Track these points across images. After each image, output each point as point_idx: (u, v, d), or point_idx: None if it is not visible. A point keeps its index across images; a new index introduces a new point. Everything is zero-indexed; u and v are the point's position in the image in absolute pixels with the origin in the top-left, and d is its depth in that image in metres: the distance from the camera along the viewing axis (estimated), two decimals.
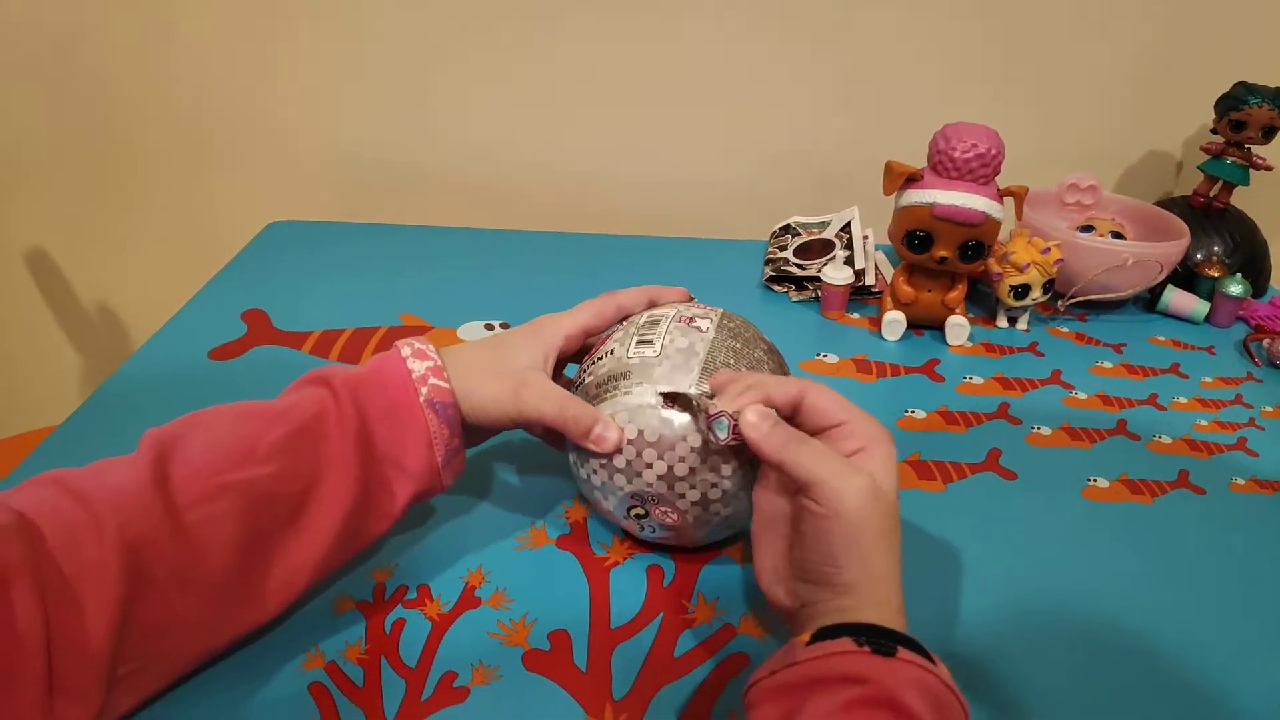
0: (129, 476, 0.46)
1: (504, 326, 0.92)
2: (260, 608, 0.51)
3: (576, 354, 0.64)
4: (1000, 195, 0.85)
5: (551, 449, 0.68)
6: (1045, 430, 0.81)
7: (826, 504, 0.46)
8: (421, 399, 0.54)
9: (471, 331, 0.91)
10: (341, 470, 0.52)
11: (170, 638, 0.47)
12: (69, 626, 0.41)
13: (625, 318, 0.63)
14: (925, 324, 0.96)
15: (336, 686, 0.53)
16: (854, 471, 0.47)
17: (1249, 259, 1.06)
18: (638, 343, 0.58)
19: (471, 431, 0.59)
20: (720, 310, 0.61)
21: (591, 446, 0.56)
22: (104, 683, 0.43)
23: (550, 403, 0.56)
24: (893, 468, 0.50)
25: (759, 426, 0.50)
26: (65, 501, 0.44)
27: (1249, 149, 1.07)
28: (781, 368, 0.61)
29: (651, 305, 0.63)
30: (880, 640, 0.43)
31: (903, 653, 0.42)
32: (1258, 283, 1.07)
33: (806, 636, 0.44)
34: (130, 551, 0.43)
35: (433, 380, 0.55)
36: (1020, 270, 0.91)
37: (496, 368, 0.58)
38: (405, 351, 0.56)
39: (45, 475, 0.46)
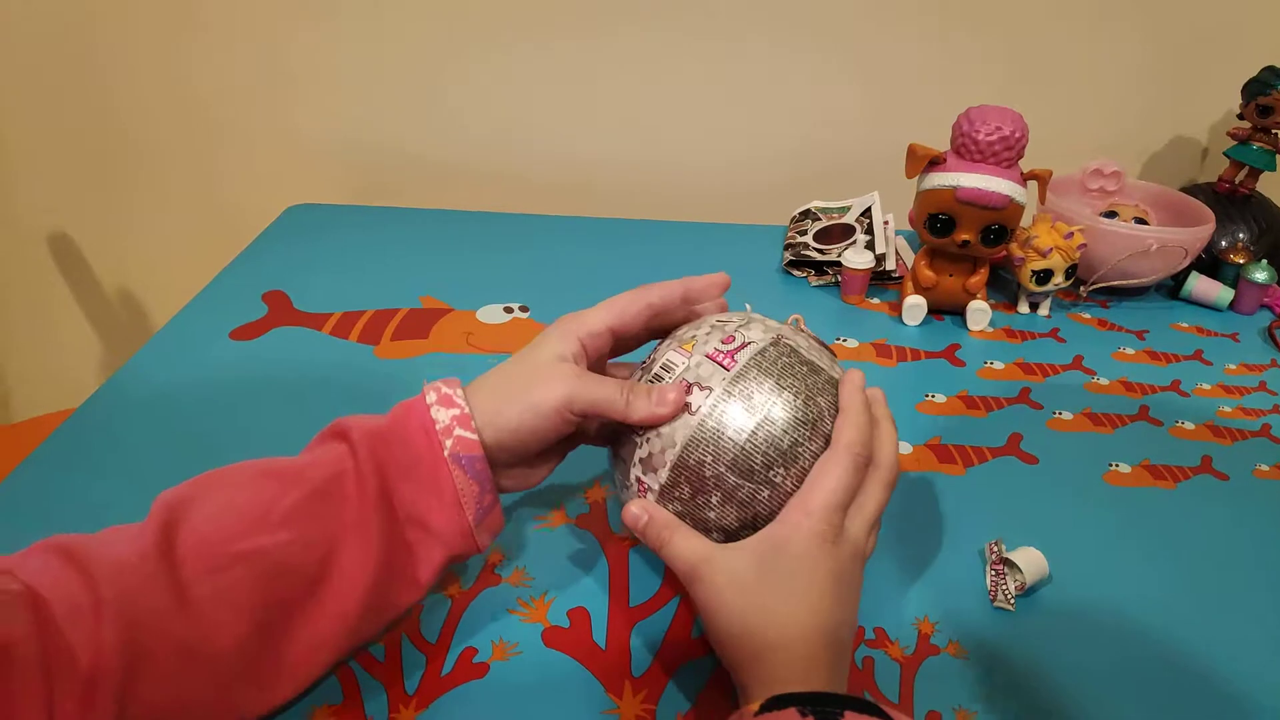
0: (135, 548, 0.43)
1: (523, 309, 0.92)
2: (276, 688, 0.47)
3: (603, 355, 0.58)
4: (1024, 179, 0.84)
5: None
6: (1067, 415, 0.80)
7: (697, 595, 0.49)
8: (446, 453, 0.49)
9: (491, 314, 0.91)
10: (361, 536, 0.47)
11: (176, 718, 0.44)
12: (70, 706, 0.38)
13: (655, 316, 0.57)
14: (946, 309, 0.95)
15: (358, 663, 0.53)
16: (721, 554, 0.48)
17: (1274, 245, 1.05)
18: None
19: (513, 467, 0.54)
20: (748, 355, 0.51)
21: (651, 416, 0.51)
22: None
23: (584, 385, 0.51)
24: (825, 503, 0.48)
25: (638, 519, 0.51)
26: (69, 574, 0.40)
27: (1276, 134, 1.05)
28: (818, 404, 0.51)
29: (685, 301, 0.57)
30: (827, 707, 0.42)
31: (850, 716, 0.41)
32: None
33: (755, 706, 0.43)
34: (132, 628, 0.40)
35: (459, 431, 0.50)
36: (1043, 255, 0.91)
37: (523, 379, 0.52)
38: (431, 398, 0.51)
39: (51, 542, 0.43)
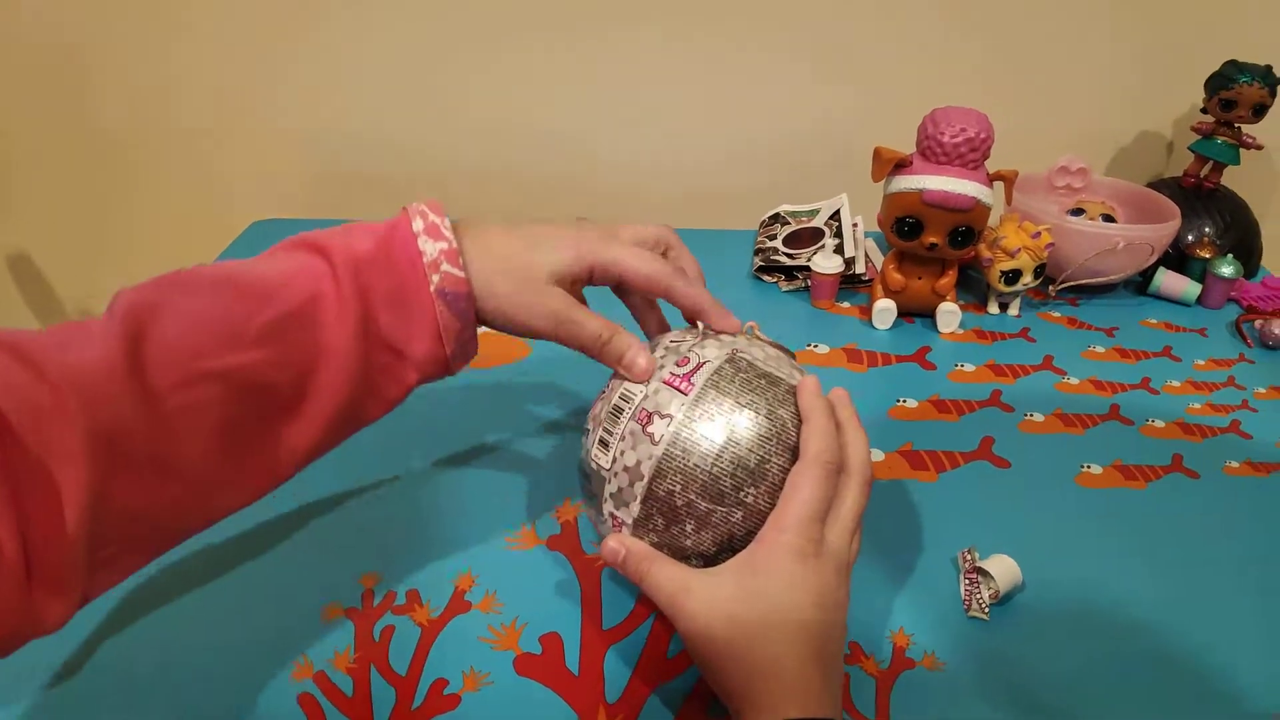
0: (97, 356, 0.40)
1: None
2: (246, 491, 0.47)
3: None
4: (990, 180, 0.84)
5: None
6: (1038, 417, 0.80)
7: (680, 627, 0.47)
8: (432, 287, 0.48)
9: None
10: (339, 360, 0.47)
11: (149, 520, 0.44)
12: (42, 516, 0.38)
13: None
14: (916, 311, 0.95)
15: (326, 697, 0.52)
16: (701, 582, 0.47)
17: (1240, 239, 1.06)
18: (599, 443, 0.51)
19: (486, 322, 0.53)
20: (704, 376, 0.50)
21: (621, 369, 0.52)
22: (82, 570, 0.40)
23: (570, 318, 0.52)
24: (795, 529, 0.47)
25: (616, 554, 0.50)
26: (24, 378, 0.39)
27: (1239, 128, 1.06)
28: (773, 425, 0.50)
29: (689, 315, 0.56)
30: None
31: None
32: (1249, 263, 1.06)
33: None
34: (100, 438, 0.39)
35: (446, 267, 0.49)
36: (1011, 255, 0.91)
37: (523, 272, 0.51)
38: (417, 225, 0.49)
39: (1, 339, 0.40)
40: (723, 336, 0.54)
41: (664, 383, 0.50)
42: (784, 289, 1.01)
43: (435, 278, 0.49)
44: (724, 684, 0.46)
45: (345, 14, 1.15)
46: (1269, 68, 1.01)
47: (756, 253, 1.05)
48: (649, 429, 0.49)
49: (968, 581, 0.60)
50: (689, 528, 0.48)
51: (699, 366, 0.50)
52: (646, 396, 0.50)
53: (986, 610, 0.59)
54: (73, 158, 1.26)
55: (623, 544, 0.50)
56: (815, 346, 0.89)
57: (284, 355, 0.46)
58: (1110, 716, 0.53)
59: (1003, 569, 0.60)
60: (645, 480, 0.48)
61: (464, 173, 1.26)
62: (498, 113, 1.22)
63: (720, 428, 0.48)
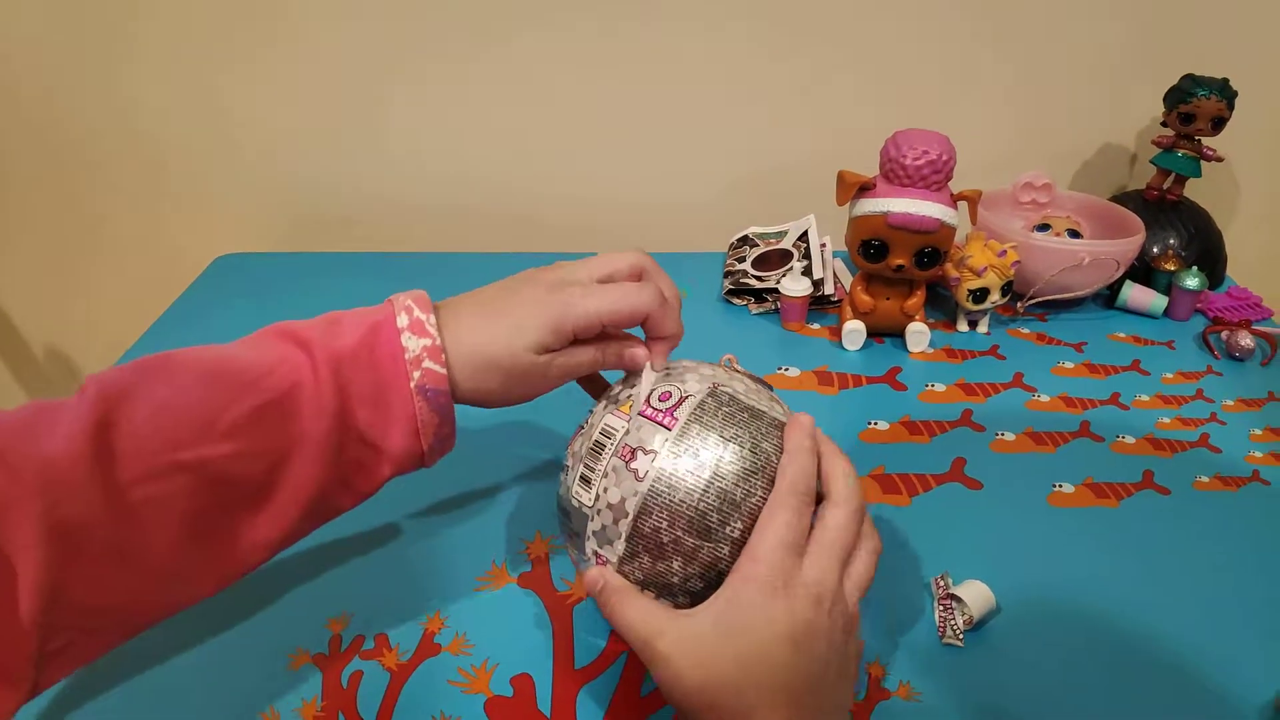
0: (63, 444, 0.40)
1: None
2: (210, 582, 0.47)
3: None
4: (954, 200, 0.84)
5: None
6: (1009, 436, 0.80)
7: (655, 673, 0.45)
8: (413, 384, 0.48)
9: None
10: (312, 453, 0.46)
11: (106, 612, 0.43)
12: None
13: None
14: (886, 332, 0.95)
15: None
16: (676, 626, 0.45)
17: (1204, 250, 1.07)
18: (580, 479, 0.50)
19: (483, 406, 0.53)
20: (687, 410, 0.49)
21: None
22: (33, 661, 0.39)
23: (576, 367, 0.54)
24: (773, 563, 0.45)
25: (595, 583, 0.48)
26: None
27: (1199, 141, 1.07)
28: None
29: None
30: None
31: None
32: (1214, 274, 1.07)
33: None
34: (59, 530, 0.39)
35: (428, 364, 0.48)
36: (977, 274, 0.91)
37: (508, 362, 0.51)
38: (402, 322, 0.49)
39: None
40: (703, 368, 0.53)
41: (646, 417, 0.49)
42: (754, 311, 1.01)
43: (417, 374, 0.48)
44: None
45: (320, 56, 1.14)
46: (1226, 81, 1.02)
47: (726, 275, 1.05)
48: (632, 465, 0.48)
49: (941, 608, 0.60)
50: (675, 564, 0.47)
51: (681, 400, 0.50)
52: (629, 432, 0.49)
53: (961, 636, 0.58)
54: (34, 194, 1.25)
55: (603, 575, 0.48)
56: (786, 370, 0.89)
57: (257, 447, 0.45)
58: None
59: (975, 594, 0.59)
60: (630, 517, 0.47)
61: (430, 207, 1.26)
62: (467, 146, 1.21)
63: (706, 463, 0.47)
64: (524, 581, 0.63)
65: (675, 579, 0.48)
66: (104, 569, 0.41)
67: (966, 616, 0.59)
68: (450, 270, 1.09)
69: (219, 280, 1.07)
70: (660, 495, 0.47)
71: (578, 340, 0.53)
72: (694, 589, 0.48)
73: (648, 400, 0.50)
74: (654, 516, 0.47)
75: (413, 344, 0.49)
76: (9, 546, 0.38)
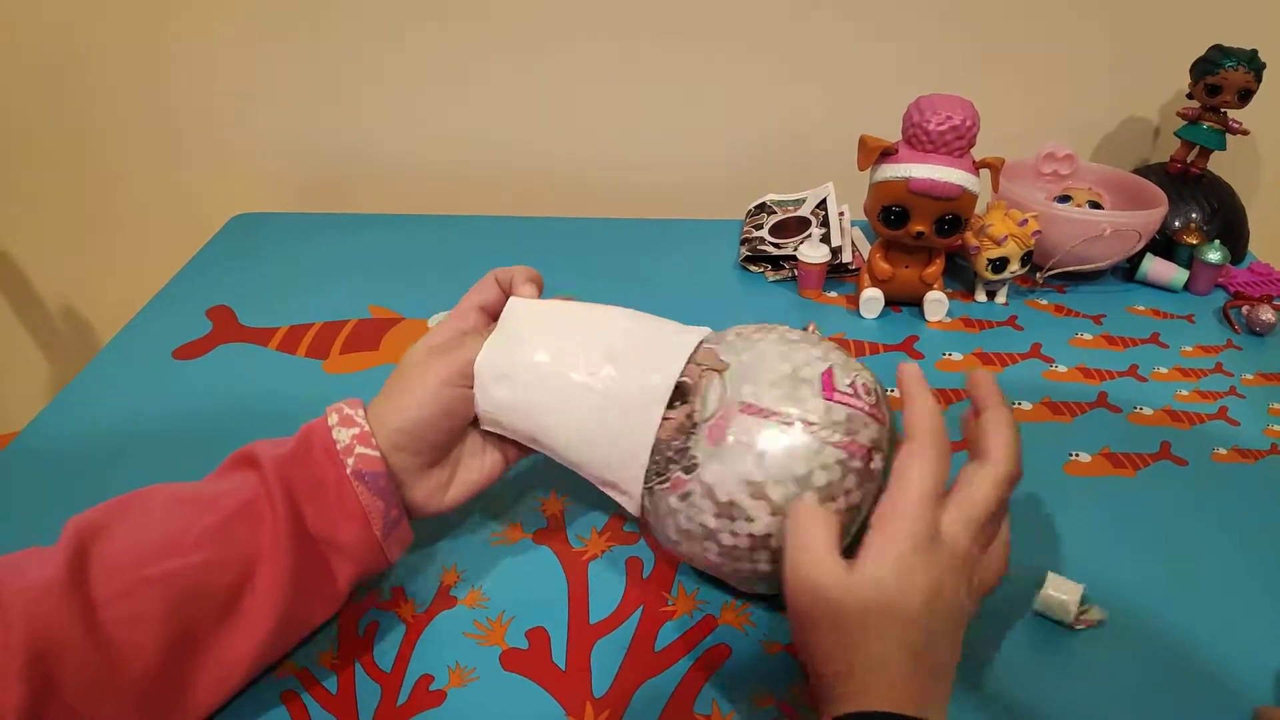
0: (43, 574, 0.42)
1: None
2: (189, 709, 0.47)
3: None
4: (976, 167, 0.84)
5: None
6: (1026, 405, 0.80)
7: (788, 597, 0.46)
8: (349, 471, 0.50)
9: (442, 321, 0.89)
10: (274, 556, 0.47)
11: None
12: None
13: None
14: (903, 300, 0.94)
15: (310, 694, 0.51)
16: (819, 565, 0.45)
17: (1227, 225, 1.06)
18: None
19: (421, 476, 0.54)
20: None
21: None
22: None
23: (456, 354, 0.55)
24: (915, 522, 0.44)
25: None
26: None
27: (1225, 113, 1.06)
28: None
29: (504, 290, 0.60)
30: None
31: None
32: (1236, 248, 1.06)
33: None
34: (37, 658, 0.40)
35: (360, 449, 0.51)
36: (997, 243, 0.90)
37: (403, 380, 0.54)
38: (332, 420, 0.52)
39: None
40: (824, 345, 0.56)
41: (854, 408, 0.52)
42: (771, 279, 1.00)
43: (350, 461, 0.50)
44: (821, 670, 0.44)
45: (337, 17, 1.13)
46: (1254, 52, 1.01)
47: (743, 242, 1.04)
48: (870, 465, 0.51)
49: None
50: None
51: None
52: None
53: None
54: (52, 153, 1.25)
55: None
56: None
57: (221, 557, 0.47)
58: (1100, 705, 0.53)
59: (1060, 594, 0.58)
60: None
61: (444, 169, 1.25)
62: (483, 109, 1.21)
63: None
64: (539, 538, 0.63)
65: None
66: (83, 695, 0.42)
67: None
68: (465, 232, 1.09)
69: (235, 239, 1.07)
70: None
71: None
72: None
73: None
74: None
75: (343, 435, 0.51)
76: None
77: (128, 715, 0.44)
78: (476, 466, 0.58)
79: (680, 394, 0.53)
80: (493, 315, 0.59)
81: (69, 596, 0.42)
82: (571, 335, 0.56)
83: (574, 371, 0.54)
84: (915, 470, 0.45)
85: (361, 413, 0.53)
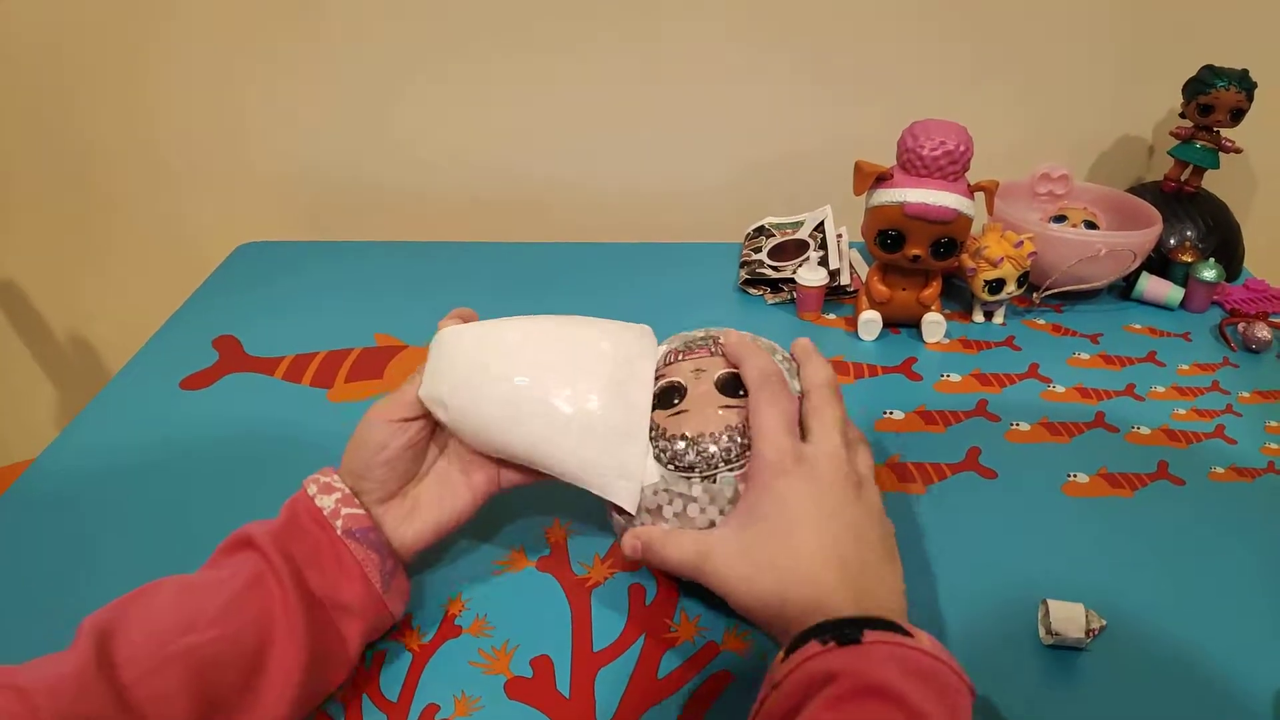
0: (69, 665, 0.43)
1: None
2: None
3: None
4: (971, 191, 0.85)
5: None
6: (1024, 426, 0.81)
7: (712, 587, 0.52)
8: (339, 532, 0.53)
9: None
10: (288, 624, 0.49)
11: None
12: None
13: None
14: (901, 322, 0.95)
15: None
16: (709, 540, 0.52)
17: (1222, 242, 1.06)
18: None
19: (404, 519, 0.57)
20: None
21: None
22: None
23: (392, 397, 0.57)
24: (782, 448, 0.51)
25: (635, 549, 0.56)
26: (3, 699, 0.41)
27: (1218, 132, 1.07)
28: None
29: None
30: (845, 630, 0.43)
31: (870, 635, 0.42)
32: (1231, 266, 1.07)
33: (781, 655, 0.44)
34: None
35: (345, 510, 0.53)
36: (994, 265, 0.91)
37: (358, 435, 0.57)
38: (312, 490, 0.54)
39: None
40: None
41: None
42: (770, 302, 1.01)
43: (339, 523, 0.53)
44: (762, 621, 0.49)
45: (336, 35, 1.15)
46: (1245, 72, 1.02)
47: (742, 266, 1.05)
48: None
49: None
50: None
51: None
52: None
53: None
54: (57, 183, 1.27)
55: (637, 536, 0.55)
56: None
57: (239, 628, 0.48)
58: None
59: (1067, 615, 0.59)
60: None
61: (446, 196, 1.27)
62: (484, 136, 1.22)
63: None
64: (542, 565, 0.64)
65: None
66: None
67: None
68: (468, 258, 1.11)
69: (241, 268, 1.08)
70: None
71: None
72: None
73: None
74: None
75: (326, 501, 0.54)
76: None
77: None
78: (440, 497, 0.59)
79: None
80: None
81: (98, 679, 0.43)
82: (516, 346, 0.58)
83: (517, 375, 0.56)
84: (760, 412, 0.53)
85: (337, 478, 0.55)
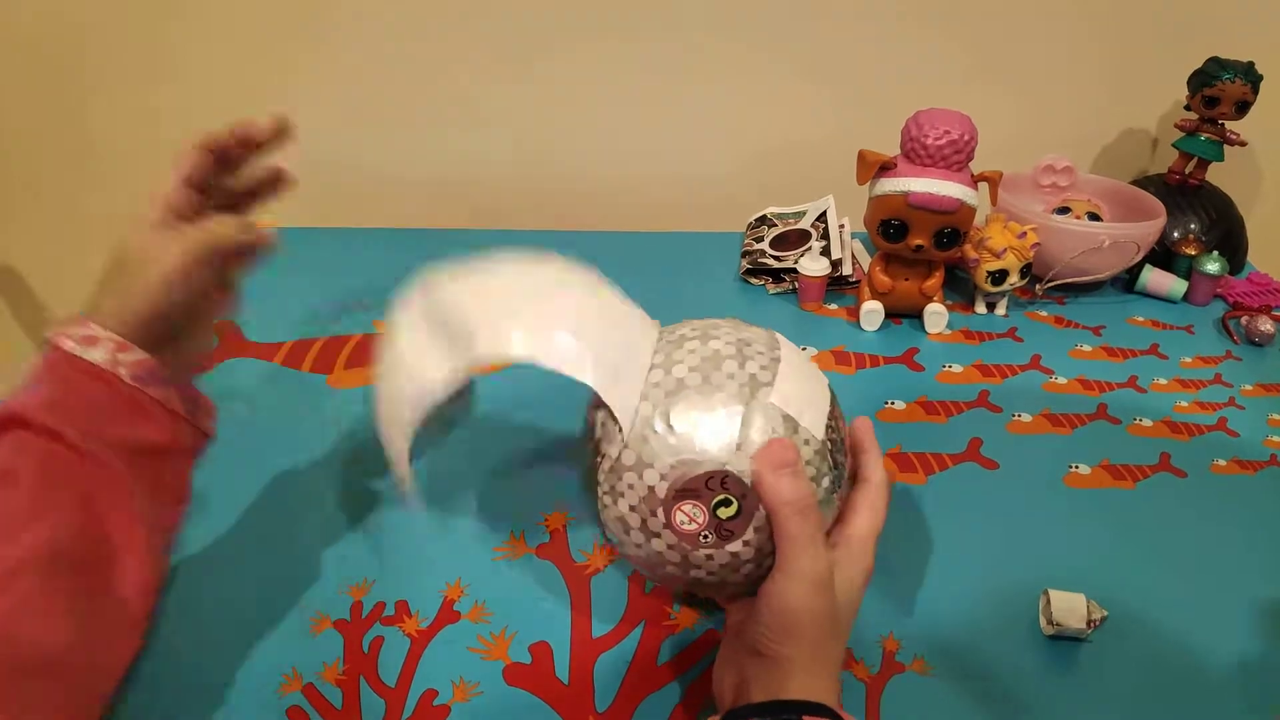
0: None
1: None
2: (129, 639, 0.47)
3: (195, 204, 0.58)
4: (974, 181, 0.84)
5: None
6: (1026, 417, 0.80)
7: (776, 590, 0.45)
8: (130, 380, 0.48)
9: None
10: (113, 490, 0.46)
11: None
12: None
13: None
14: (904, 313, 0.95)
15: (315, 709, 0.52)
16: (813, 558, 0.45)
17: (1225, 235, 1.06)
18: None
19: (180, 341, 0.53)
20: None
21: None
22: None
23: (189, 240, 0.53)
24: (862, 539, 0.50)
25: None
26: None
27: (1223, 125, 1.06)
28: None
29: (240, 141, 0.61)
30: (783, 716, 0.42)
31: None
32: (1234, 259, 1.07)
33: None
34: None
35: (122, 357, 0.48)
36: (997, 255, 0.91)
37: (132, 267, 0.52)
38: (69, 346, 0.48)
39: None
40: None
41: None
42: (772, 291, 1.01)
43: (123, 372, 0.48)
44: (779, 647, 0.45)
45: (345, 27, 1.14)
46: (1251, 64, 1.02)
47: (744, 255, 1.05)
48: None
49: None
50: None
51: None
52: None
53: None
54: (58, 171, 1.26)
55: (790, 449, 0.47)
56: (804, 349, 0.89)
57: (64, 519, 0.44)
58: (1098, 715, 0.53)
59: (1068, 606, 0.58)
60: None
61: (452, 183, 1.26)
62: (485, 125, 1.22)
63: None
64: (542, 552, 0.64)
65: None
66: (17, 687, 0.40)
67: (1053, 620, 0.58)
68: (467, 246, 1.09)
69: None
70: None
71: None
72: None
73: None
74: None
75: (96, 354, 0.48)
76: None
77: (67, 695, 0.43)
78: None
79: None
80: (199, 187, 0.59)
81: None
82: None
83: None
84: (881, 514, 0.51)
85: (95, 326, 0.49)
